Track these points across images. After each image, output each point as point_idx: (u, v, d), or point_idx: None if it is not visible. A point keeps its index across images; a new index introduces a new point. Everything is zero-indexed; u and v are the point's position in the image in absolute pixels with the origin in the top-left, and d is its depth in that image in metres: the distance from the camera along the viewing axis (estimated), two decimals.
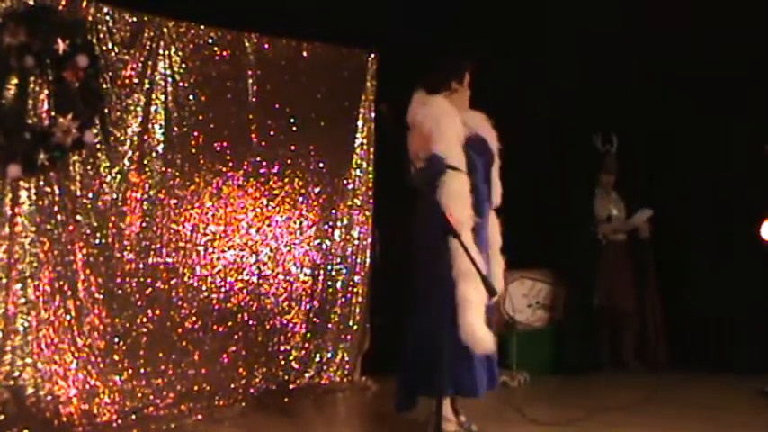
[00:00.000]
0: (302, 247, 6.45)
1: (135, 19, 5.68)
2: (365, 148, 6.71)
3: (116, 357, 5.43)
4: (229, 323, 6.01)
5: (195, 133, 5.93)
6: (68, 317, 5.26)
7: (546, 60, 7.40)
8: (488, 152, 4.90)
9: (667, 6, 6.87)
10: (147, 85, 5.73)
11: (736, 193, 7.22)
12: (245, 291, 6.13)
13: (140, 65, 5.71)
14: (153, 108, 5.75)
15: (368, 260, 6.72)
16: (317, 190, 6.52)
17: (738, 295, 7.11)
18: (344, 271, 6.61)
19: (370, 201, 6.74)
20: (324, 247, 6.55)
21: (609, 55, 7.33)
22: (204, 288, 5.93)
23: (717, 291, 7.23)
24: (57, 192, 5.27)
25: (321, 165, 6.53)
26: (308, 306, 6.44)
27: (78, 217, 5.37)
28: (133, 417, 5.32)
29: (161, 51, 5.80)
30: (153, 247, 5.71)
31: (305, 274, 6.45)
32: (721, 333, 7.18)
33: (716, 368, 6.99)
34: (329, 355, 6.47)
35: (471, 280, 4.43)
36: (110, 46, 5.55)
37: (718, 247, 7.33)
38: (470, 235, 4.54)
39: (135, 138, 5.66)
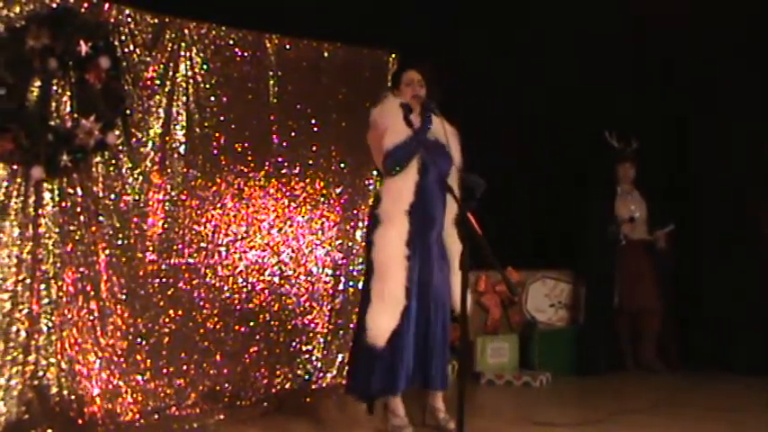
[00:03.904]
0: (324, 247, 6.46)
1: (156, 21, 5.71)
2: None
3: (138, 357, 5.46)
4: (251, 323, 6.02)
5: (217, 134, 5.95)
6: (91, 317, 5.29)
7: (564, 61, 7.41)
8: (446, 158, 4.95)
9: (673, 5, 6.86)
10: (168, 87, 5.75)
11: (739, 192, 7.19)
12: (266, 291, 6.14)
13: (162, 66, 5.73)
14: (174, 109, 5.77)
15: None
16: (338, 190, 6.53)
17: (745, 295, 7.07)
18: None
19: None
20: (345, 247, 6.55)
21: (624, 55, 7.34)
22: (226, 288, 5.94)
23: (723, 291, 7.20)
24: (79, 193, 5.30)
25: (342, 165, 6.54)
26: (329, 306, 6.45)
27: (101, 218, 5.41)
28: (156, 416, 5.34)
29: (182, 53, 5.82)
30: (175, 247, 5.73)
31: (326, 275, 6.45)
32: (729, 334, 7.13)
33: (724, 369, 6.96)
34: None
35: (381, 275, 4.67)
36: (131, 48, 5.57)
37: (723, 247, 7.28)
38: (401, 227, 4.72)
39: (157, 139, 5.69)
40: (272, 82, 6.25)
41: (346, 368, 5.32)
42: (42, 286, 5.15)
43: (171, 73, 5.77)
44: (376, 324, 4.64)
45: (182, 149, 5.80)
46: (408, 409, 4.94)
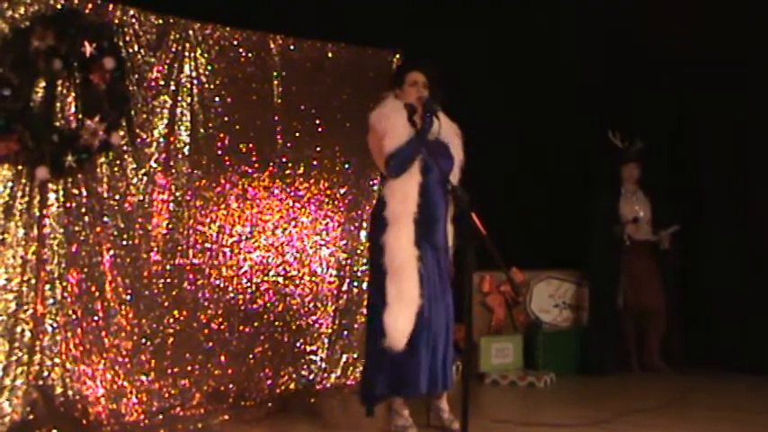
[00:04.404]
0: (328, 247, 6.46)
1: (161, 21, 5.71)
2: None
3: (143, 358, 5.46)
4: (255, 324, 6.02)
5: (221, 135, 5.95)
6: (96, 317, 5.29)
7: (568, 62, 7.41)
8: (448, 157, 4.97)
9: (683, 5, 6.85)
10: (173, 87, 5.76)
11: (744, 192, 7.17)
12: (271, 291, 6.14)
13: (166, 67, 5.73)
14: (179, 110, 5.77)
15: None
16: (342, 191, 6.53)
17: (750, 296, 7.06)
18: None
19: None
20: (350, 247, 6.55)
21: (631, 55, 7.33)
22: (230, 289, 5.94)
23: (728, 291, 7.21)
24: (84, 193, 5.31)
25: (347, 165, 6.55)
26: (334, 307, 6.45)
27: (105, 218, 5.41)
28: (160, 417, 5.34)
29: (187, 53, 5.82)
30: (179, 248, 5.73)
31: (331, 275, 6.45)
32: (734, 334, 7.13)
33: (730, 369, 6.94)
34: (355, 355, 6.46)
35: (397, 277, 4.66)
36: (136, 48, 5.58)
37: (728, 247, 7.28)
38: (410, 228, 4.73)
39: (161, 139, 5.69)
40: (276, 82, 6.26)
41: (360, 372, 5.30)
42: (47, 287, 5.15)
43: (175, 73, 5.78)
44: (396, 327, 4.63)
45: (186, 150, 5.80)
46: (412, 409, 4.95)
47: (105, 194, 5.42)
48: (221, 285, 5.90)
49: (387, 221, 4.76)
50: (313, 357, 6.30)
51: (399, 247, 4.69)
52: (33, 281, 5.10)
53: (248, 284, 6.03)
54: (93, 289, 5.31)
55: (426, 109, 4.89)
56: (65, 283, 5.21)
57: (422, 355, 4.75)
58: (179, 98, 5.78)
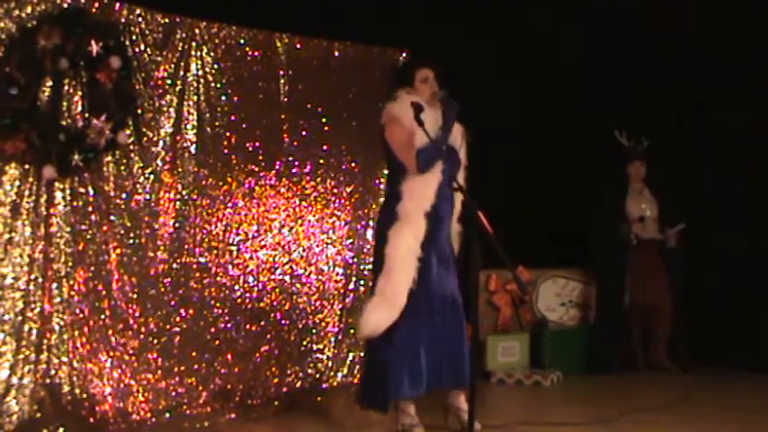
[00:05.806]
0: (334, 246, 6.45)
1: (167, 20, 5.71)
2: None
3: (150, 356, 5.47)
4: (262, 322, 6.03)
5: (227, 133, 5.95)
6: (103, 316, 5.31)
7: (569, 61, 7.42)
8: (457, 160, 4.98)
9: (685, 5, 6.84)
10: (179, 86, 5.76)
11: (750, 191, 7.14)
12: (277, 290, 6.14)
13: (173, 66, 5.74)
14: (185, 109, 5.77)
15: None
16: (349, 189, 6.52)
17: (755, 295, 7.05)
18: None
19: None
20: (356, 246, 6.55)
21: (635, 54, 7.33)
22: (237, 287, 5.95)
23: (734, 290, 7.22)
24: (91, 192, 5.33)
25: (353, 164, 6.54)
26: (340, 305, 6.45)
27: (112, 217, 5.42)
28: (167, 415, 5.36)
29: (193, 52, 5.82)
30: (186, 246, 5.74)
31: (337, 274, 6.45)
32: (739, 333, 7.12)
33: (735, 368, 6.93)
34: (362, 354, 6.45)
35: (388, 272, 4.68)
36: (142, 47, 5.58)
37: (734, 246, 7.26)
38: (420, 228, 4.71)
39: (168, 138, 5.70)
40: (282, 81, 6.25)
41: (361, 376, 5.31)
42: (54, 285, 5.17)
43: (182, 72, 5.78)
44: (372, 317, 4.63)
45: (192, 149, 5.81)
46: (430, 410, 4.94)
47: (112, 193, 5.43)
48: (228, 284, 5.91)
49: (397, 216, 4.75)
50: (319, 356, 6.30)
51: (400, 243, 4.68)
52: (40, 279, 5.12)
53: (255, 283, 6.04)
54: (100, 287, 5.33)
55: (448, 107, 4.85)
56: (72, 282, 5.23)
57: (420, 356, 4.74)
58: (185, 97, 5.79)
